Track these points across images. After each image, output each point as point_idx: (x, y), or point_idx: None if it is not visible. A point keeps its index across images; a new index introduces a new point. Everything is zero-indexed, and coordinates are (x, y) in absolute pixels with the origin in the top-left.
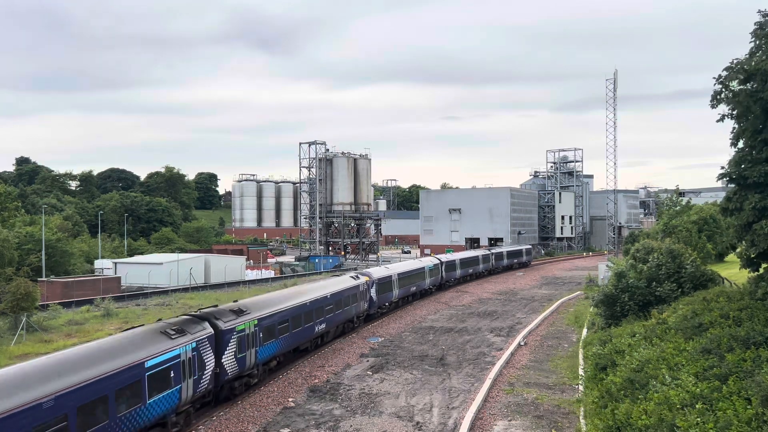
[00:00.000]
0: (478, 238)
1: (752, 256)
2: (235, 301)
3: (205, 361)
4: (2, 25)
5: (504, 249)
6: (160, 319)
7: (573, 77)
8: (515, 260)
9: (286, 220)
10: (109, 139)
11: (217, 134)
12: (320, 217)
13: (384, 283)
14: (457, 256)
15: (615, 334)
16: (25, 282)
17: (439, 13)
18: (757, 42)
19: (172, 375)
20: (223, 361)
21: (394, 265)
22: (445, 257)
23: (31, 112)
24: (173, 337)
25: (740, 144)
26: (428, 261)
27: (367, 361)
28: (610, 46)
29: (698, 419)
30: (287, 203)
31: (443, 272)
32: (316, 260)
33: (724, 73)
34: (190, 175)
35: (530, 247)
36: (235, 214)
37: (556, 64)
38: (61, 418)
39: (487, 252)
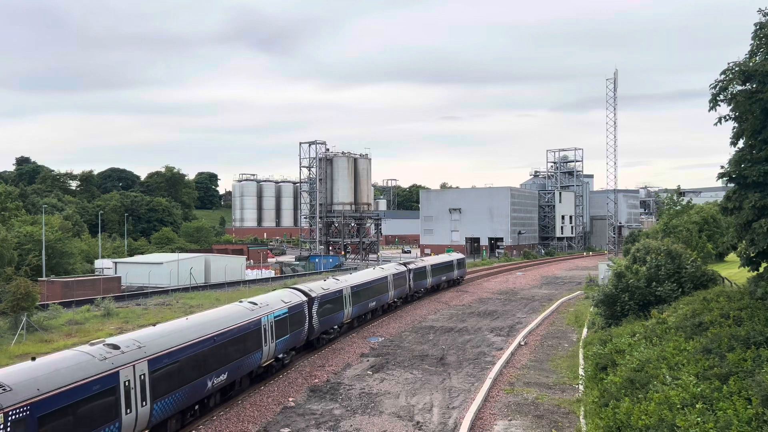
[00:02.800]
0: (478, 238)
1: (752, 255)
2: None
3: None
4: (1, 24)
5: (427, 263)
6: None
7: (573, 77)
8: (443, 277)
9: (286, 220)
10: (109, 138)
11: (218, 134)
12: (320, 217)
13: (168, 373)
14: (349, 281)
15: (615, 333)
16: (25, 282)
17: (439, 12)
18: (757, 42)
19: None
20: None
21: (192, 319)
22: (323, 288)
23: (31, 112)
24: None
25: (740, 144)
26: (281, 300)
27: (367, 360)
28: (611, 46)
29: (698, 419)
30: (287, 203)
31: (316, 317)
32: (316, 260)
33: (721, 77)
34: (191, 175)
35: (463, 257)
36: (235, 214)
37: (556, 64)
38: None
39: (403, 269)
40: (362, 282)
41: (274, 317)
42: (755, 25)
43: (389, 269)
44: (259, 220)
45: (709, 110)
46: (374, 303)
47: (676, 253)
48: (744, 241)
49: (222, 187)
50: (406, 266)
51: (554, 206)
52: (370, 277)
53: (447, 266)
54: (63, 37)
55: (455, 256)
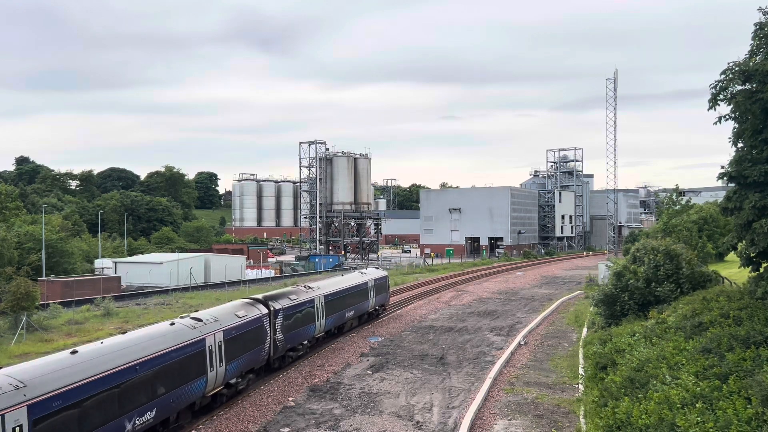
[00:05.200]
0: (478, 238)
1: (752, 255)
2: None
3: None
4: (1, 24)
5: (319, 292)
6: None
7: (573, 77)
8: (349, 312)
9: (286, 220)
10: (109, 138)
11: (217, 134)
12: (320, 217)
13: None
14: (78, 367)
15: (615, 333)
16: (25, 281)
17: (439, 12)
18: (757, 42)
19: None
20: None
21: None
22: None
23: (31, 112)
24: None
25: (740, 144)
26: None
27: (367, 360)
28: (611, 46)
29: (698, 418)
30: (287, 203)
31: None
32: (316, 260)
33: (722, 77)
34: (190, 175)
35: (384, 275)
36: (235, 214)
37: (556, 64)
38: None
39: (257, 314)
40: (113, 369)
41: None
42: (755, 25)
43: (219, 319)
44: (259, 219)
45: (708, 109)
46: (152, 413)
47: (674, 254)
48: (744, 241)
49: (222, 187)
50: (267, 305)
51: (554, 206)
52: (147, 350)
53: (357, 293)
54: (63, 37)
55: (372, 274)
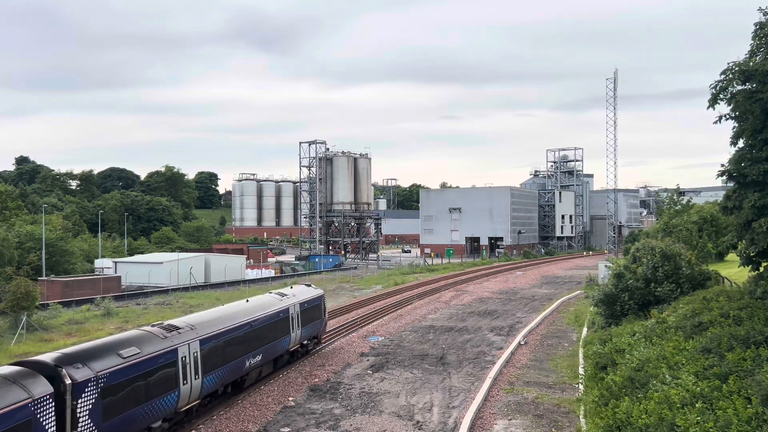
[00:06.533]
0: (479, 238)
1: (752, 254)
2: None
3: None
4: (1, 24)
5: (186, 336)
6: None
7: (573, 77)
8: (255, 356)
9: (287, 220)
10: (109, 138)
11: (218, 134)
12: (320, 217)
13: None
14: None
15: (615, 333)
16: (25, 281)
17: (439, 12)
18: (757, 42)
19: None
20: None
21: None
22: None
23: (31, 112)
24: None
25: (740, 143)
26: None
27: (367, 360)
28: (611, 46)
29: (698, 418)
30: (287, 203)
31: None
32: (316, 259)
33: (722, 77)
34: (190, 175)
35: (318, 295)
36: (235, 214)
37: (556, 64)
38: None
39: (22, 401)
40: None
41: None
42: (755, 24)
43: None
44: (259, 219)
45: (708, 108)
46: None
47: (671, 254)
48: (744, 241)
49: (222, 187)
50: (57, 376)
51: (554, 206)
52: None
53: (268, 327)
54: (63, 36)
55: (298, 295)
